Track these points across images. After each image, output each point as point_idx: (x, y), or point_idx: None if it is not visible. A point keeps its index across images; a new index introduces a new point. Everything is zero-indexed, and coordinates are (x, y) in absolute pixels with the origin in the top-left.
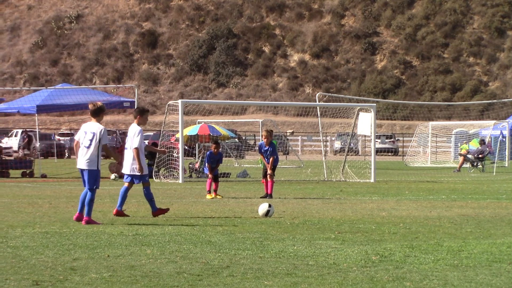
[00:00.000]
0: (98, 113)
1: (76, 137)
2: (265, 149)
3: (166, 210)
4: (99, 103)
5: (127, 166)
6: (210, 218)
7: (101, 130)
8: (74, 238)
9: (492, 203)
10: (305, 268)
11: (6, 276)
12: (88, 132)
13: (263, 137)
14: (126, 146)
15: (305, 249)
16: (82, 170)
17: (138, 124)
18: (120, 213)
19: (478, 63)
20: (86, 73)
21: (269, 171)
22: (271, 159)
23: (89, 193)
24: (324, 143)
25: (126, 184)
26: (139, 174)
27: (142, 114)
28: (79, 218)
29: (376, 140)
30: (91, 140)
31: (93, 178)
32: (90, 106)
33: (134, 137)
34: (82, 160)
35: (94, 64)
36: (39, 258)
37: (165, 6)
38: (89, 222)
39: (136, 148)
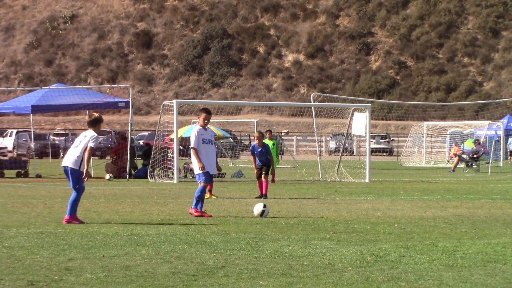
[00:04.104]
0: (94, 124)
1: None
2: (258, 150)
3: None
4: (96, 114)
5: (194, 166)
6: (205, 218)
7: (94, 135)
8: (69, 238)
9: (487, 203)
10: (300, 268)
11: (1, 276)
12: (81, 135)
13: (255, 138)
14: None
15: (300, 249)
16: (65, 168)
17: (200, 125)
18: (200, 214)
19: (473, 63)
20: (80, 73)
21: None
22: (270, 158)
23: (74, 193)
24: (319, 143)
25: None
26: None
27: (201, 115)
28: (68, 222)
29: (371, 140)
30: (81, 141)
31: (76, 178)
32: (86, 118)
33: (191, 137)
34: (68, 158)
35: (88, 64)
36: (34, 258)
37: (159, 7)
38: (70, 221)
39: (193, 148)
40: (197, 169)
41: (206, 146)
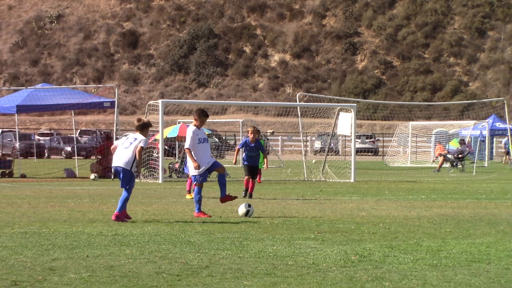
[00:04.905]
0: (142, 128)
1: (115, 142)
2: (251, 145)
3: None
4: (145, 119)
5: (190, 167)
6: (189, 218)
7: (143, 138)
8: (53, 238)
9: (472, 203)
10: (284, 268)
11: None
12: (131, 137)
13: (250, 132)
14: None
15: (284, 249)
16: (117, 168)
17: (195, 125)
18: (199, 215)
19: (459, 63)
20: (66, 73)
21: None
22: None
23: (124, 192)
24: (304, 143)
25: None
26: (197, 173)
27: (199, 116)
28: (118, 217)
29: (356, 140)
30: (131, 143)
31: (127, 178)
32: (135, 121)
33: (186, 138)
34: (119, 159)
35: (74, 64)
36: (18, 258)
37: (146, 6)
38: (119, 218)
39: (187, 149)
40: (192, 170)
41: (201, 146)
